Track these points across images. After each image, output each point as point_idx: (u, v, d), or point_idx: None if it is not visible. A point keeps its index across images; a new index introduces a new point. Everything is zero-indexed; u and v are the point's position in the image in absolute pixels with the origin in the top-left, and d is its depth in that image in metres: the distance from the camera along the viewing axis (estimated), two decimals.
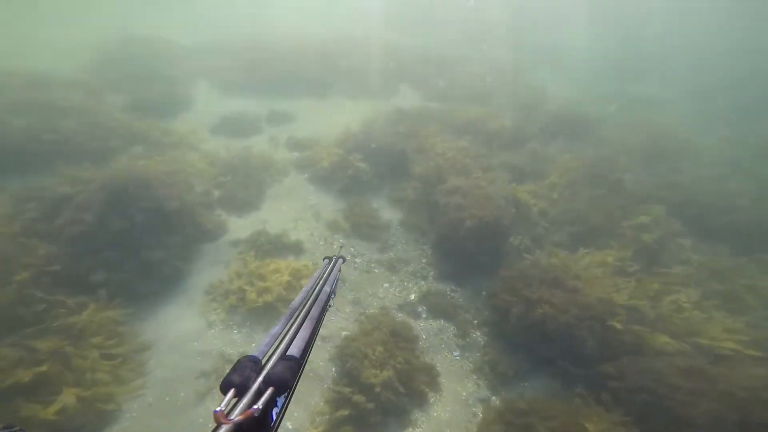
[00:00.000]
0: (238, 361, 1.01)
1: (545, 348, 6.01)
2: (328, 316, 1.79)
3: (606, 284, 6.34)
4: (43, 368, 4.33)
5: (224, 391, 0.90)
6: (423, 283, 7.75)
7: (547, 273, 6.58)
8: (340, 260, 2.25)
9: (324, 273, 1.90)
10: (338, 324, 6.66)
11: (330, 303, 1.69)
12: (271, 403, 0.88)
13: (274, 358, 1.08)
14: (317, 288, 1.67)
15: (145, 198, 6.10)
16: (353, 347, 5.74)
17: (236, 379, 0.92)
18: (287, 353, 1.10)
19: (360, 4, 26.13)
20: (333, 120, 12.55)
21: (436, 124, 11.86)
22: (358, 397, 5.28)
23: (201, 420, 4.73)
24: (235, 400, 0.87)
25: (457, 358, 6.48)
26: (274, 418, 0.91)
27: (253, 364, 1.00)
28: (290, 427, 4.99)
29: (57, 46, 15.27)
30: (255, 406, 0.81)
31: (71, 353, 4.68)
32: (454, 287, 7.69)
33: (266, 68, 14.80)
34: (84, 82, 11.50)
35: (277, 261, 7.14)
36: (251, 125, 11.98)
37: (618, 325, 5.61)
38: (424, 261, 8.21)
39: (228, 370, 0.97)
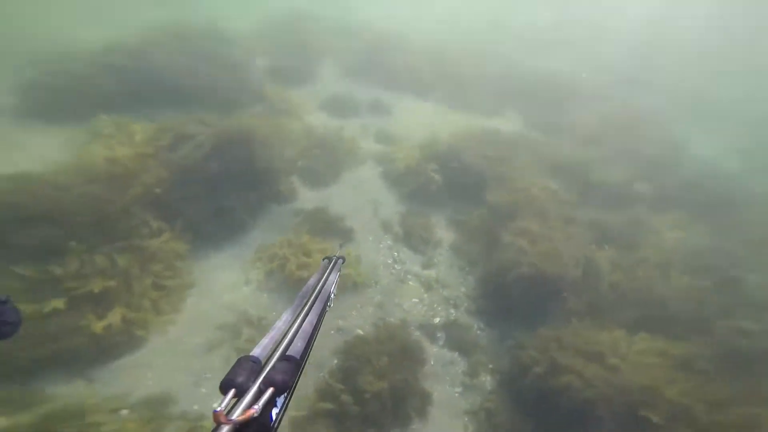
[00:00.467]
0: (238, 361, 1.02)
1: (554, 419, 5.31)
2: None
3: (657, 374, 5.22)
4: (112, 283, 4.88)
5: (224, 391, 0.91)
6: (453, 311, 7.48)
7: (589, 344, 5.72)
8: (340, 261, 2.26)
9: (324, 274, 1.92)
10: (357, 320, 6.92)
11: (330, 304, 1.71)
12: (270, 403, 0.90)
13: (275, 358, 1.08)
14: (318, 289, 1.68)
15: (243, 152, 7.17)
16: (361, 349, 5.91)
17: (236, 379, 0.93)
18: (287, 354, 1.11)
19: (505, 18, 25.21)
20: (425, 123, 12.70)
21: (529, 156, 11.00)
22: (347, 397, 5.43)
23: (199, 368, 5.24)
24: (235, 400, 0.88)
25: (457, 395, 6.17)
26: (274, 418, 0.92)
27: (253, 364, 1.01)
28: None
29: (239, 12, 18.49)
30: (255, 407, 0.83)
31: (135, 275, 5.47)
32: (482, 325, 7.25)
33: (384, 59, 15.62)
34: (246, 44, 13.79)
35: (326, 242, 7.71)
36: (352, 109, 12.88)
37: (654, 418, 4.60)
38: (462, 290, 7.89)
39: (229, 369, 0.99)
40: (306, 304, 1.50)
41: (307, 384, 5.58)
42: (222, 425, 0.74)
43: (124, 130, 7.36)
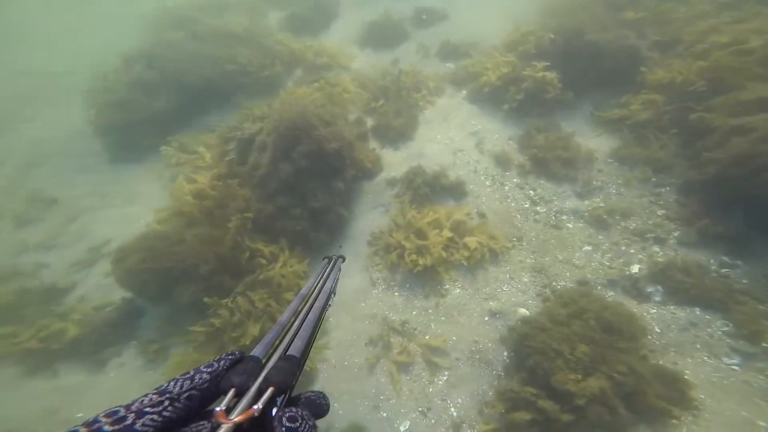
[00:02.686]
0: (239, 360, 0.96)
1: None
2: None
3: None
4: (260, 325, 4.78)
5: (224, 391, 0.84)
6: (657, 248, 4.99)
7: None
8: (341, 260, 2.22)
9: (324, 272, 1.89)
10: (512, 297, 5.11)
11: (330, 303, 1.65)
12: (271, 403, 0.83)
13: (275, 357, 1.04)
14: (318, 288, 1.64)
15: (307, 140, 5.72)
16: (539, 340, 4.12)
17: (236, 379, 0.87)
18: (287, 353, 1.07)
19: None
20: (498, 11, 9.25)
21: None
22: (547, 403, 3.82)
23: (373, 391, 4.46)
24: (235, 399, 0.82)
25: (736, 368, 3.93)
26: (273, 416, 0.83)
27: (254, 363, 0.96)
28: (454, 414, 4.13)
29: None
30: (255, 406, 0.77)
31: (275, 309, 5.04)
32: (727, 259, 4.60)
33: None
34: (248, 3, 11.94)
35: (436, 208, 5.90)
36: (396, 31, 10.09)
37: None
38: (660, 214, 5.25)
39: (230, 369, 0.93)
40: (306, 303, 1.46)
41: (483, 388, 4.27)
42: (222, 425, 0.68)
43: (190, 151, 6.67)
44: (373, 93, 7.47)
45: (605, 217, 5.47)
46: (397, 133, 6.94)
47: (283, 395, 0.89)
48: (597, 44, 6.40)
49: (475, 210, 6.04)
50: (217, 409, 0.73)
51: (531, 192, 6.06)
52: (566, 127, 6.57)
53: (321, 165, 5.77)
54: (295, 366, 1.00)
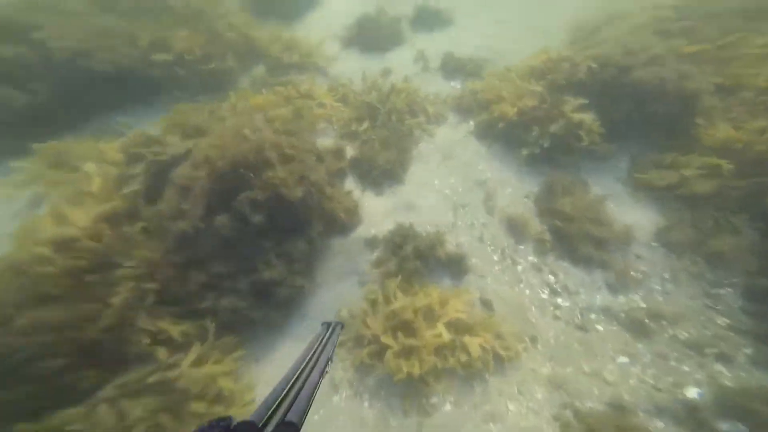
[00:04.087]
0: (236, 427, 0.96)
1: None
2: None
3: None
4: None
5: None
6: (722, 367, 3.75)
7: None
8: (339, 326, 2.23)
9: (322, 338, 1.89)
10: (521, 419, 3.78)
11: (327, 369, 1.67)
12: None
13: (273, 424, 1.07)
14: (315, 352, 1.67)
15: (259, 185, 3.87)
16: None
17: None
18: (286, 419, 1.09)
19: None
20: (517, 22, 7.67)
21: None
22: None
23: None
24: None
25: None
26: None
27: (251, 430, 0.97)
28: None
29: None
30: None
31: (168, 425, 3.25)
32: None
33: None
34: None
35: (428, 289, 4.33)
36: (390, 31, 8.24)
37: None
38: (721, 323, 4.01)
39: None
40: (303, 368, 1.47)
41: None
42: None
43: (70, 166, 4.52)
44: (356, 110, 5.67)
45: (647, 321, 4.18)
46: (383, 172, 5.24)
47: None
48: (646, 82, 5.00)
49: (479, 295, 4.54)
50: None
51: (551, 278, 4.65)
52: (595, 186, 5.19)
53: (278, 218, 3.99)
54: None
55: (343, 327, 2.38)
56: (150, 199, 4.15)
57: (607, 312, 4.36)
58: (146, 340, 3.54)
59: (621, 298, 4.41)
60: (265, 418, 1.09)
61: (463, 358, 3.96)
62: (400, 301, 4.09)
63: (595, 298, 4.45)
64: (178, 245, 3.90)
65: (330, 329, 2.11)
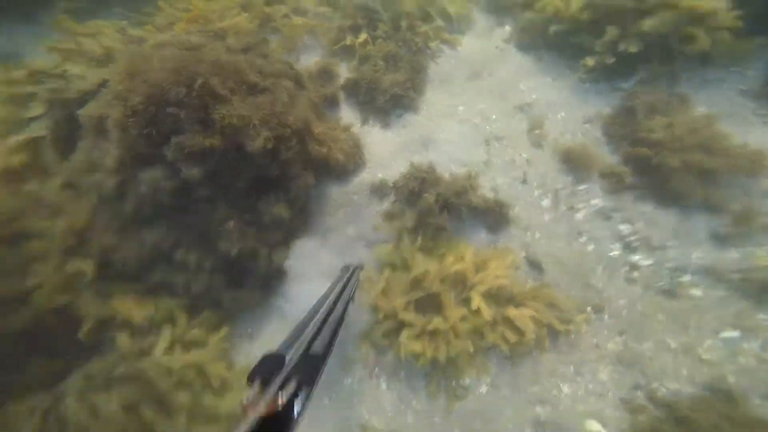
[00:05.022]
0: (264, 356, 1.04)
1: None
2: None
3: None
4: None
5: (250, 384, 0.95)
6: None
7: None
8: (359, 268, 2.28)
9: (344, 281, 1.91)
10: (577, 402, 2.99)
11: (349, 309, 1.69)
12: (294, 397, 0.91)
13: (297, 354, 1.11)
14: (337, 292, 1.71)
15: (198, 126, 2.62)
16: None
17: (261, 374, 0.96)
18: (310, 351, 1.16)
19: None
20: None
21: None
22: None
23: None
24: (260, 393, 0.89)
25: None
26: (296, 414, 0.92)
27: (277, 359, 1.03)
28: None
29: None
30: (279, 400, 0.85)
31: (151, 419, 2.65)
32: None
33: None
34: None
35: (458, 247, 3.20)
36: None
37: None
38: None
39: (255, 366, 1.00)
40: (328, 306, 1.49)
41: None
42: (248, 416, 0.76)
43: None
44: (350, 17, 4.16)
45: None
46: (390, 99, 3.89)
47: (306, 393, 0.97)
48: None
49: (524, 255, 3.39)
50: (243, 401, 0.81)
51: (625, 227, 3.41)
52: (702, 104, 3.68)
53: (239, 175, 2.82)
54: (318, 363, 1.12)
55: (363, 269, 2.46)
56: (64, 150, 3.03)
57: (710, 272, 3.15)
58: (87, 325, 2.73)
59: (734, 253, 3.16)
60: (291, 350, 1.12)
61: (509, 336, 2.92)
62: (422, 266, 3.00)
63: (693, 254, 3.22)
64: (104, 207, 2.84)
65: (350, 272, 2.15)
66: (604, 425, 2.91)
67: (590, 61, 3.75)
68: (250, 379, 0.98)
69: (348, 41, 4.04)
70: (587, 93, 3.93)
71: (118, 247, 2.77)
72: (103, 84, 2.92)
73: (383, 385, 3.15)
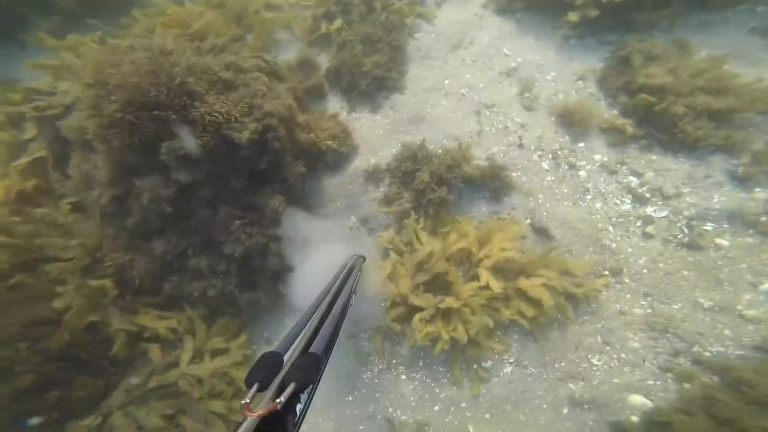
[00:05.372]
0: (262, 356, 1.01)
1: None
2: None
3: None
4: None
5: (248, 386, 0.91)
6: None
7: None
8: (361, 260, 2.22)
9: (344, 272, 1.84)
10: (613, 375, 2.78)
11: (351, 302, 1.64)
12: (293, 397, 0.88)
13: (297, 354, 1.09)
14: (338, 286, 1.63)
15: (183, 125, 2.59)
16: None
17: (260, 375, 0.94)
18: (310, 350, 1.11)
19: None
20: None
21: None
22: None
23: None
24: (259, 394, 0.88)
25: None
26: (298, 413, 0.91)
27: (275, 359, 1.01)
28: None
29: None
30: (277, 400, 0.82)
31: (192, 429, 2.69)
32: None
33: None
34: None
35: (461, 225, 3.06)
36: None
37: None
38: None
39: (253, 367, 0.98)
40: (327, 301, 1.47)
41: None
42: (247, 418, 0.75)
43: None
44: (322, 4, 4.09)
45: None
46: (373, 81, 3.79)
47: (308, 392, 0.96)
48: None
49: (528, 222, 3.23)
50: (242, 402, 0.78)
51: (633, 180, 3.21)
52: (706, 47, 3.46)
53: (231, 172, 2.76)
54: (317, 363, 1.04)
55: (365, 260, 2.38)
56: (63, 167, 3.03)
57: (735, 217, 2.93)
58: (123, 340, 2.82)
59: (760, 193, 2.92)
60: (290, 349, 1.10)
61: (525, 309, 2.76)
62: (427, 246, 2.86)
63: (713, 198, 3.00)
64: (107, 221, 2.81)
65: (352, 262, 2.07)
66: (648, 397, 2.70)
67: (573, 17, 3.59)
68: (248, 380, 0.94)
69: (323, 29, 3.97)
70: (574, 50, 3.76)
71: (132, 263, 2.76)
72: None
73: (402, 376, 3.04)
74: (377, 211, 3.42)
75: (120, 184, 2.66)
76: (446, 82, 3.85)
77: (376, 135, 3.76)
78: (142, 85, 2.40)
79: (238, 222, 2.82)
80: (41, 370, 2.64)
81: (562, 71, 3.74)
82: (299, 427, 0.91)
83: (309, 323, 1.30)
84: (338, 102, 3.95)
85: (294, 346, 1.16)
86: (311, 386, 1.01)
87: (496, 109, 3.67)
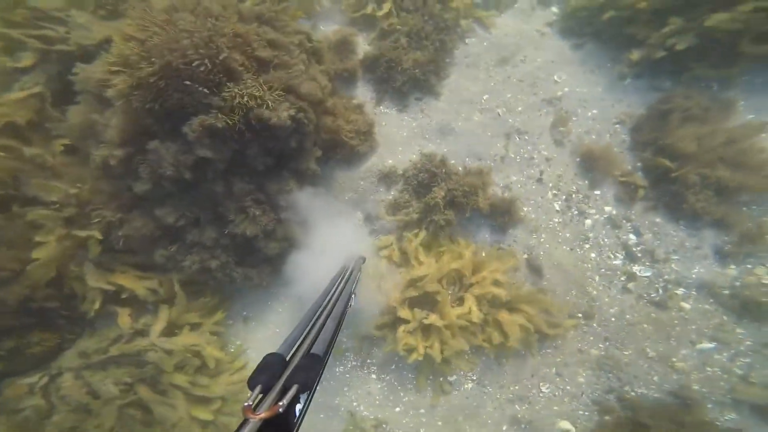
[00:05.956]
0: (264, 359, 1.03)
1: None
2: None
3: None
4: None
5: (251, 388, 0.93)
6: None
7: None
8: (361, 260, 2.24)
9: (345, 273, 1.88)
10: (553, 402, 3.35)
11: (351, 303, 1.66)
12: (295, 399, 0.90)
13: (299, 356, 1.10)
14: (338, 287, 1.67)
15: (223, 105, 2.52)
16: None
17: (262, 377, 0.96)
18: (311, 351, 1.12)
19: None
20: None
21: None
22: None
23: None
24: (261, 396, 0.90)
25: None
26: (298, 414, 0.93)
27: (278, 361, 1.03)
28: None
29: None
30: (280, 403, 0.84)
31: (149, 399, 2.78)
32: None
33: None
34: None
35: (460, 247, 3.28)
36: None
37: None
38: None
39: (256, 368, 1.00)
40: (327, 302, 1.50)
41: None
42: (249, 420, 0.77)
43: None
44: None
45: (764, 300, 3.04)
46: (410, 80, 3.68)
47: (307, 393, 0.96)
48: None
49: (525, 257, 3.46)
50: (245, 404, 0.79)
51: (632, 238, 3.39)
52: (749, 111, 3.37)
53: (254, 151, 2.82)
54: (318, 365, 1.06)
55: (364, 261, 2.41)
56: (63, 104, 2.97)
57: (703, 287, 3.20)
58: (97, 302, 2.79)
59: (733, 270, 3.17)
60: (292, 351, 1.11)
61: (496, 338, 3.12)
62: (424, 268, 3.10)
63: (693, 268, 3.24)
64: (107, 178, 2.88)
65: (353, 263, 2.09)
66: (574, 424, 3.21)
67: (636, 54, 3.41)
68: (251, 383, 0.94)
69: (369, 10, 3.71)
70: (625, 90, 3.63)
71: (122, 222, 2.83)
72: (107, 41, 2.80)
73: (373, 376, 3.41)
74: (383, 216, 3.57)
75: (132, 144, 2.65)
76: (485, 96, 3.75)
77: (399, 136, 3.76)
78: (189, 53, 2.35)
79: (250, 201, 2.92)
80: None
81: (605, 111, 3.65)
82: (299, 427, 0.92)
83: (310, 324, 1.31)
84: (368, 92, 3.85)
85: (296, 348, 1.17)
86: (311, 389, 1.01)
87: (527, 137, 3.65)
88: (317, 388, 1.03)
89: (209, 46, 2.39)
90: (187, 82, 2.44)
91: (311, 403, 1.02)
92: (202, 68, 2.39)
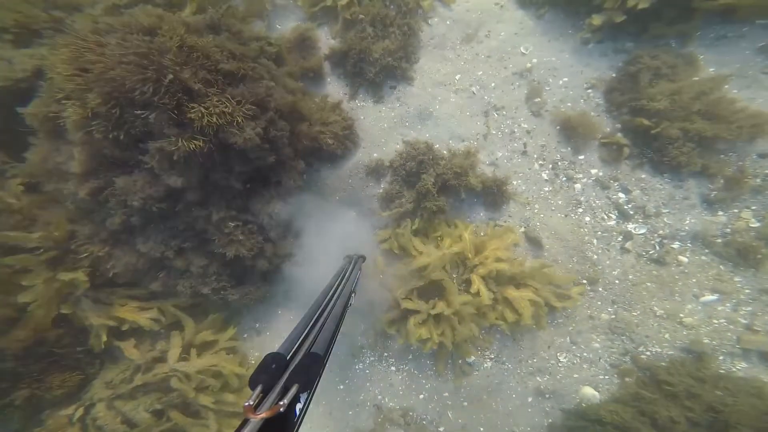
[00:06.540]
0: (265, 358, 1.01)
1: None
2: None
3: None
4: None
5: (252, 387, 0.92)
6: None
7: None
8: (361, 259, 2.20)
9: (345, 272, 1.85)
10: (573, 370, 3.32)
11: (351, 302, 1.64)
12: (295, 399, 0.89)
13: (299, 355, 1.10)
14: (338, 286, 1.65)
15: (187, 126, 2.28)
16: None
17: (263, 376, 0.95)
18: (312, 351, 1.11)
19: None
20: None
21: None
22: None
23: None
24: (262, 395, 0.88)
25: None
26: (298, 413, 0.91)
27: (279, 361, 1.01)
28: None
29: None
30: (281, 402, 0.83)
31: (183, 423, 2.77)
32: None
33: None
34: None
35: (458, 230, 3.19)
36: None
37: None
38: None
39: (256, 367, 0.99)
40: (328, 301, 1.47)
41: None
42: (250, 419, 0.76)
43: None
44: None
45: (754, 245, 3.12)
46: (382, 70, 3.56)
47: (308, 392, 0.95)
48: None
49: (523, 229, 3.42)
50: (246, 404, 0.78)
51: (622, 196, 3.43)
52: (713, 65, 3.46)
53: (230, 173, 2.59)
54: (318, 364, 1.05)
55: (365, 259, 2.39)
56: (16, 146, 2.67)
57: (697, 238, 3.27)
58: (103, 336, 2.73)
59: (722, 217, 3.25)
60: (292, 350, 1.10)
61: (508, 315, 3.05)
62: (425, 257, 2.98)
63: (685, 220, 3.30)
64: (83, 212, 2.61)
65: (352, 262, 2.07)
66: (596, 389, 3.18)
67: (597, 20, 3.46)
68: (252, 382, 0.94)
69: (329, 2, 3.57)
70: (590, 55, 3.69)
71: (110, 255, 2.62)
72: (39, 73, 2.51)
73: (393, 368, 3.34)
74: (377, 212, 3.44)
75: (99, 177, 2.41)
76: (457, 77, 3.70)
77: (380, 128, 3.64)
78: (126, 81, 2.11)
79: (232, 224, 2.71)
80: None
81: (575, 78, 3.68)
82: (299, 426, 0.91)
83: (311, 324, 1.30)
84: (339, 87, 3.72)
85: (297, 347, 1.16)
86: (311, 388, 1.01)
87: (505, 112, 3.63)
88: (316, 388, 1.01)
89: (147, 68, 2.14)
90: (138, 111, 2.19)
91: (311, 402, 1.00)
92: (146, 96, 2.15)
